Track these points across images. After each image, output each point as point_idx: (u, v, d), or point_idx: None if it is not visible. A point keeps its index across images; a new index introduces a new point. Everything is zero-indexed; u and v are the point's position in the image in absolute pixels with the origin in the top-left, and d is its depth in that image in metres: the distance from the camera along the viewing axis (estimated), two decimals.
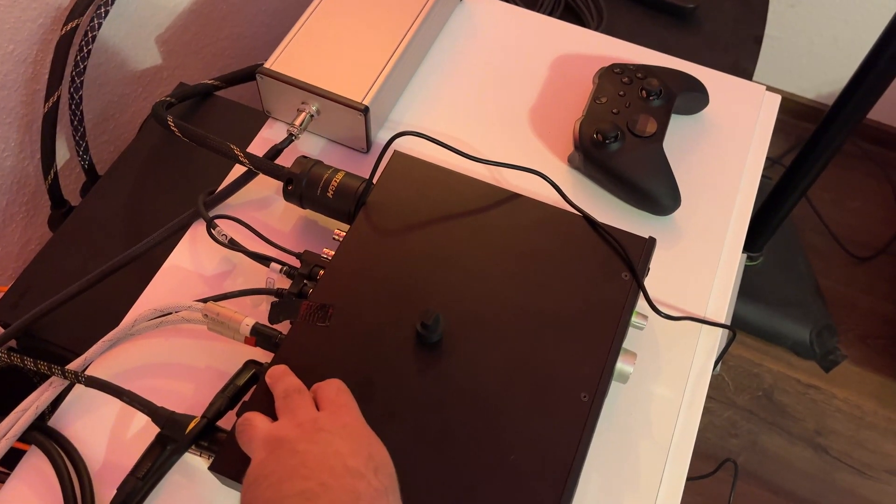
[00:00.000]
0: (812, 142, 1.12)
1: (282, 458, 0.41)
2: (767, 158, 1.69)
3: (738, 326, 1.47)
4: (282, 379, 0.49)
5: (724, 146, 0.73)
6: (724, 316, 0.63)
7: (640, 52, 0.79)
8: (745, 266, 1.47)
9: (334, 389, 0.47)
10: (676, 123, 0.72)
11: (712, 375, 0.61)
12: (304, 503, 0.38)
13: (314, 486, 0.38)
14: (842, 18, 1.53)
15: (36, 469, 0.54)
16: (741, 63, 0.98)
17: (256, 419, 0.46)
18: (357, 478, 0.40)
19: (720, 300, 0.64)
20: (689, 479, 0.56)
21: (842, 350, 1.44)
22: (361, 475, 0.40)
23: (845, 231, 1.61)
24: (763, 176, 0.73)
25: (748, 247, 1.40)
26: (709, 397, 1.41)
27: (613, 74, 0.70)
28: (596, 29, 0.96)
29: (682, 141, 0.72)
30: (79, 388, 0.57)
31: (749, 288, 1.43)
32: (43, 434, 0.54)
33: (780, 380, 1.44)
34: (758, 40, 0.99)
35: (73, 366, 0.55)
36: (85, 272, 0.61)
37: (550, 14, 0.97)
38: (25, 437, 0.54)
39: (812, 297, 1.49)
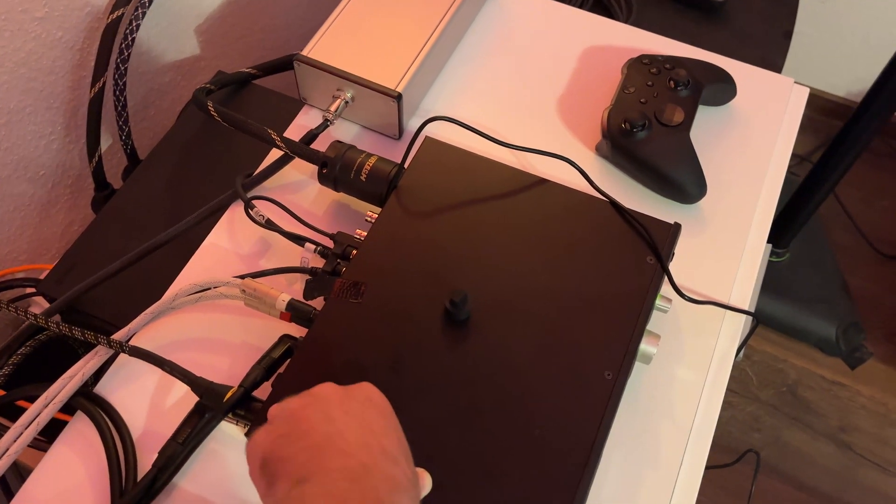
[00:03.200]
0: (839, 138, 1.12)
1: (315, 418, 0.40)
2: (797, 156, 1.69)
3: (763, 322, 1.46)
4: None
5: (751, 137, 0.73)
6: (747, 304, 0.64)
7: (669, 44, 0.80)
8: (772, 262, 1.47)
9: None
10: (704, 114, 0.73)
11: (736, 365, 0.62)
12: (348, 483, 0.37)
13: (355, 464, 0.38)
14: (873, 15, 1.52)
15: (80, 434, 0.56)
16: (770, 58, 0.98)
17: None
18: (393, 463, 0.39)
19: (744, 288, 0.65)
20: (711, 467, 0.57)
21: (868, 347, 1.43)
22: (396, 460, 0.39)
23: (874, 229, 1.60)
24: (792, 173, 0.74)
25: (775, 243, 1.40)
26: (732, 391, 1.41)
27: (642, 65, 0.71)
28: (625, 22, 0.97)
29: (709, 131, 0.73)
30: (122, 358, 0.59)
31: (775, 284, 1.42)
32: (88, 400, 0.56)
33: (805, 376, 1.44)
34: (787, 35, 1.00)
35: (118, 336, 0.58)
36: (126, 251, 0.64)
37: (580, 7, 0.98)
38: (71, 403, 0.56)
39: (839, 294, 1.48)
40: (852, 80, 1.67)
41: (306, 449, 0.39)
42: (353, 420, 0.40)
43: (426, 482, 0.43)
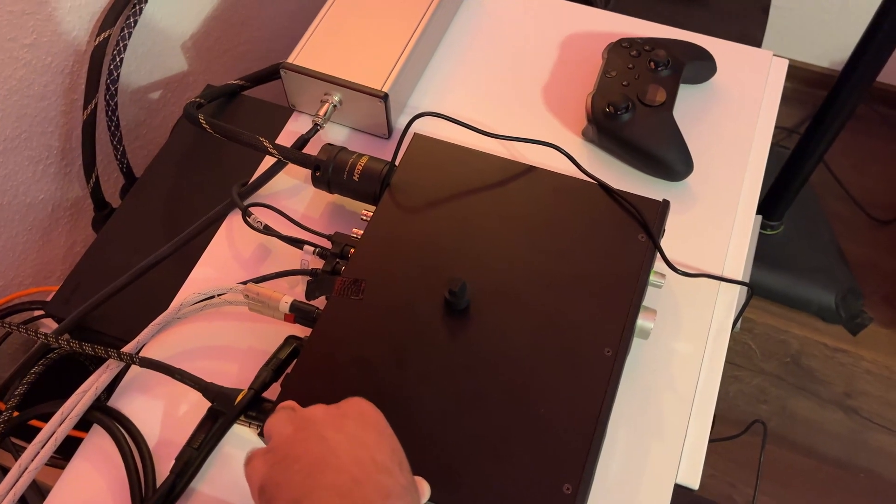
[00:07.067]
0: (825, 106, 1.13)
1: (309, 441, 0.42)
2: (785, 129, 1.70)
3: (762, 295, 1.48)
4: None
5: (734, 112, 0.75)
6: (740, 274, 0.65)
7: (648, 26, 0.81)
8: (768, 235, 1.48)
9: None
10: (686, 93, 0.74)
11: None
12: (339, 499, 0.38)
13: (346, 480, 0.39)
14: None
15: (97, 447, 0.58)
16: (750, 33, 1.00)
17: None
18: (385, 473, 0.40)
19: (736, 260, 0.66)
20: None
21: (868, 312, 1.45)
22: (389, 470, 0.40)
23: (866, 195, 1.61)
24: (781, 146, 0.75)
25: (768, 215, 1.41)
26: (737, 365, 1.42)
27: (622, 48, 0.73)
28: (604, 8, 0.98)
29: (692, 109, 0.74)
30: (133, 371, 0.61)
31: (772, 257, 1.44)
32: (103, 413, 0.58)
33: (807, 345, 1.45)
34: (765, 9, 1.01)
35: (128, 349, 0.59)
36: (130, 267, 0.65)
37: None
38: (87, 417, 0.57)
39: (836, 262, 1.49)
40: (834, 48, 1.68)
41: (300, 471, 0.40)
42: (344, 437, 0.42)
43: (425, 490, 0.45)
